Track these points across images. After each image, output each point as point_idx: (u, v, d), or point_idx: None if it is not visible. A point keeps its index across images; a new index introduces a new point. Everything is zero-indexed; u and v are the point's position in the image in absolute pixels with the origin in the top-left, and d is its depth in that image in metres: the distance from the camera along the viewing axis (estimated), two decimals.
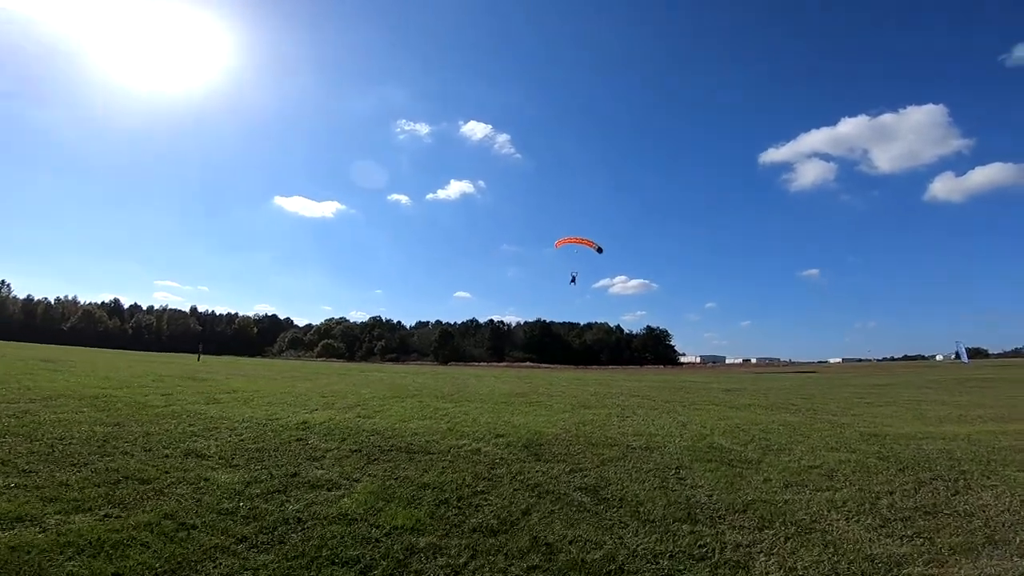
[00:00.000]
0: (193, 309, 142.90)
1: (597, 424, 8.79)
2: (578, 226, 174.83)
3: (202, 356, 41.92)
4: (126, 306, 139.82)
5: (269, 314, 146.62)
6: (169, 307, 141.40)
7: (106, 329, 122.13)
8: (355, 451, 6.27)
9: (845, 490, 5.19)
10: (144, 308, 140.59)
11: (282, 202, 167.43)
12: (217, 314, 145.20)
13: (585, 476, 5.48)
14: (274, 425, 7.64)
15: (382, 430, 7.61)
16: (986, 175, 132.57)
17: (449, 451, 6.48)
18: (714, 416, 10.26)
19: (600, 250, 35.83)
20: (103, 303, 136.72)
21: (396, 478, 5.22)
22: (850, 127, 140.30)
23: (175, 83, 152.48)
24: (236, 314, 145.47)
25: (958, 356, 55.91)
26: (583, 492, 4.93)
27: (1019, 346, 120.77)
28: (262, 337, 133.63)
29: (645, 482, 5.30)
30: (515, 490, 4.94)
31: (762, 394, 16.35)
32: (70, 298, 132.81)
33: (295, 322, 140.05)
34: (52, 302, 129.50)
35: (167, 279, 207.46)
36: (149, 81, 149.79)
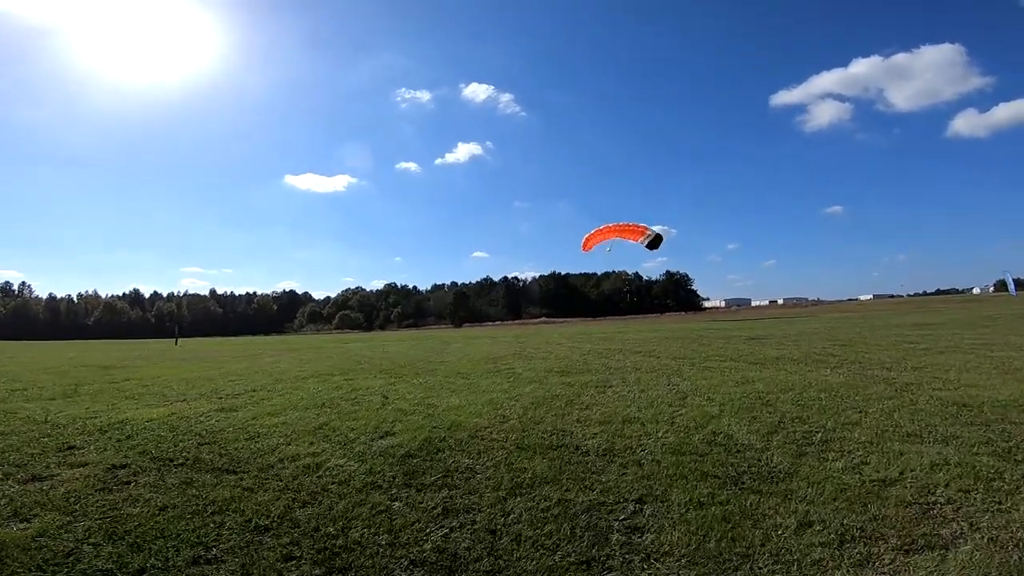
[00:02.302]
0: (212, 292, 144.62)
1: (559, 403, 6.36)
2: (589, 176, 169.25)
3: (179, 339, 40.70)
4: (147, 295, 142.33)
5: (288, 290, 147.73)
6: (189, 292, 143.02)
7: (129, 320, 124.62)
8: (119, 467, 4.17)
9: (970, 548, 2.68)
10: (164, 296, 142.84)
11: (293, 180, 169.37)
12: (236, 295, 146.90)
13: (445, 533, 3.07)
14: (79, 425, 5.79)
15: (217, 430, 5.53)
16: (1011, 111, 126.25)
17: (271, 467, 4.23)
18: (729, 379, 7.72)
19: (654, 244, 29.96)
20: (124, 295, 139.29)
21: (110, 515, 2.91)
22: (863, 67, 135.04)
23: (174, 72, 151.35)
24: (255, 293, 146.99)
25: (1005, 288, 51.53)
26: None
27: None
28: (282, 313, 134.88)
29: (550, 550, 2.86)
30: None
31: (792, 342, 13.67)
32: (91, 293, 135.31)
33: (314, 296, 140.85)
34: (75, 298, 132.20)
35: (191, 266, 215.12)
36: (149, 72, 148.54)
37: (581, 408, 6.11)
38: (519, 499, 3.52)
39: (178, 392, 8.54)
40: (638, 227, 30.97)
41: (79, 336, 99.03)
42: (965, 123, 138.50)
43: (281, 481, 3.98)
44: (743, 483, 3.64)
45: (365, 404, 6.82)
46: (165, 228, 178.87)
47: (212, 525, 3.25)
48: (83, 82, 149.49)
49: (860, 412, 5.48)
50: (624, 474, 3.87)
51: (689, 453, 4.27)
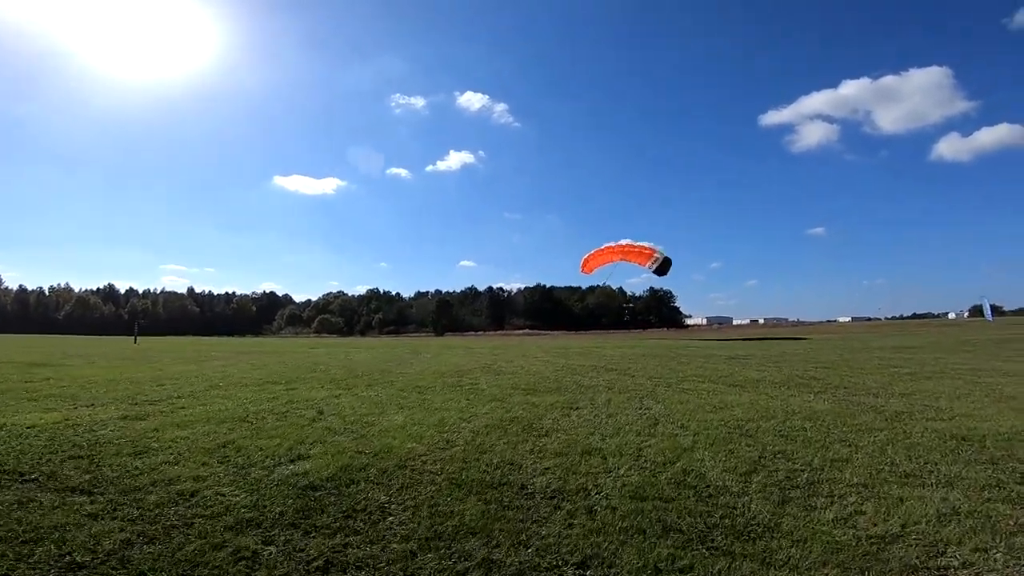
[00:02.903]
0: (191, 290, 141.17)
1: (515, 428, 5.61)
2: (580, 189, 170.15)
3: (140, 337, 38.93)
4: (122, 291, 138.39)
5: (268, 292, 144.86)
6: (166, 290, 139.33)
7: (102, 316, 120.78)
8: None
9: None
10: (140, 293, 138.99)
11: (282, 181, 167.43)
12: (215, 295, 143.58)
13: None
14: None
15: (102, 442, 4.72)
16: (993, 135, 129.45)
17: (136, 491, 3.46)
18: (706, 404, 7.06)
19: (662, 269, 27.60)
20: (98, 289, 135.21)
21: None
22: (852, 89, 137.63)
23: (167, 70, 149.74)
24: (234, 293, 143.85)
25: (980, 313, 52.44)
26: None
27: None
28: (262, 315, 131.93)
29: None
30: None
31: (773, 363, 13.13)
32: (62, 286, 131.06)
33: (296, 299, 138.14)
34: (46, 291, 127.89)
35: (173, 263, 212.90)
36: (141, 69, 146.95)
37: (539, 435, 5.36)
38: (431, 555, 2.76)
39: (92, 396, 7.62)
40: (645, 249, 29.05)
41: (47, 330, 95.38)
42: (948, 147, 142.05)
43: (138, 509, 3.19)
44: (713, 541, 2.93)
45: (293, 419, 6.00)
46: (147, 224, 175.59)
47: (11, 557, 2.45)
48: (73, 78, 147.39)
49: (850, 446, 4.83)
50: (571, 525, 3.13)
51: (652, 498, 3.55)
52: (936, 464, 4.30)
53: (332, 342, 38.24)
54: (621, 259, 29.77)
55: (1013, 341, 21.65)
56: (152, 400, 7.26)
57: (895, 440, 5.03)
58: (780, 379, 9.63)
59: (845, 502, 3.56)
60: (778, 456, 4.50)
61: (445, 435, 5.29)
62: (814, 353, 16.96)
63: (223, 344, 34.72)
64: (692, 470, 4.09)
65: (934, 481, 3.93)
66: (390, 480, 3.91)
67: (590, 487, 3.77)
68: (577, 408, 6.79)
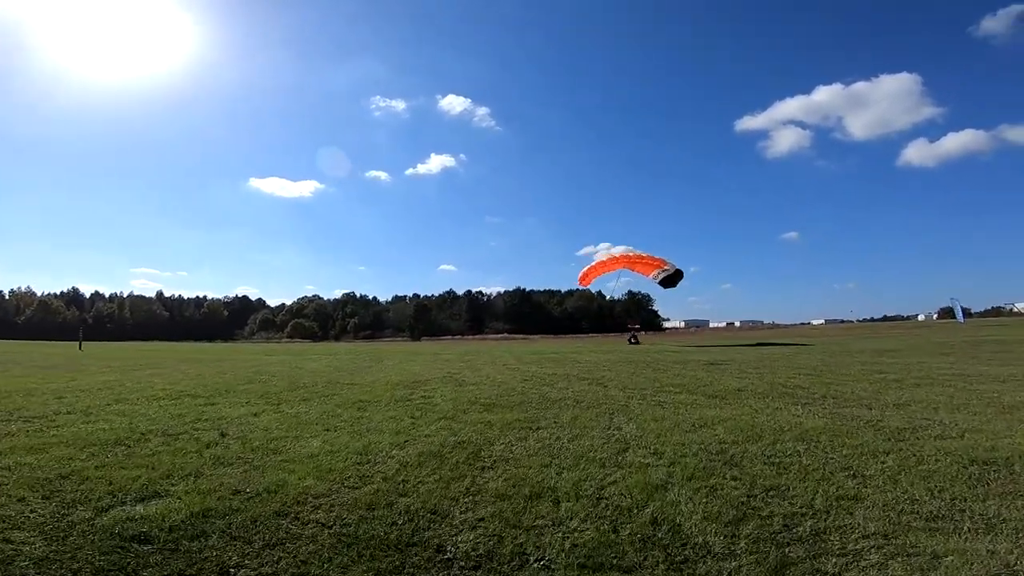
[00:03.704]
0: (159, 294, 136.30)
1: (457, 457, 4.59)
2: (560, 194, 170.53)
3: (90, 343, 36.37)
4: (87, 295, 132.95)
5: (241, 295, 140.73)
6: (134, 293, 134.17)
7: (64, 320, 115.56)
8: None
9: None
10: (107, 296, 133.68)
11: (258, 184, 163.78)
12: (185, 298, 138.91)
13: None
14: None
15: None
16: (959, 141, 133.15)
17: None
18: (684, 420, 6.16)
19: (670, 281, 26.30)
20: (61, 293, 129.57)
21: None
22: (825, 95, 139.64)
23: (141, 68, 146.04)
24: (205, 297, 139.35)
25: (950, 315, 53.51)
26: None
27: (996, 304, 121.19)
28: (234, 319, 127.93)
29: None
30: None
31: (753, 369, 12.40)
32: (23, 289, 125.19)
33: (270, 303, 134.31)
34: (6, 294, 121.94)
35: (144, 266, 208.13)
36: (115, 67, 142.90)
37: (483, 467, 4.37)
38: None
39: None
40: (654, 259, 27.69)
41: (4, 335, 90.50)
42: (916, 152, 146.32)
43: None
44: None
45: (183, 443, 4.89)
46: (117, 226, 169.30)
47: None
48: (45, 73, 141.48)
49: (856, 477, 3.97)
50: None
51: (610, 567, 2.59)
52: (965, 500, 3.46)
53: (297, 348, 36.59)
54: (625, 266, 28.42)
55: (986, 343, 21.53)
56: (29, 416, 6.06)
57: (907, 467, 4.19)
58: (763, 388, 8.83)
59: (864, 562, 2.68)
60: (771, 494, 3.60)
61: (363, 468, 4.25)
62: (794, 358, 16.37)
63: (176, 350, 32.79)
64: (664, 519, 3.15)
65: (969, 526, 3.08)
66: (255, 533, 2.88)
67: (530, 549, 2.80)
68: (537, 428, 5.81)
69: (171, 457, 4.38)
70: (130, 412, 6.61)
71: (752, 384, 9.39)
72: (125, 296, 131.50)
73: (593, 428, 5.76)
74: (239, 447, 4.81)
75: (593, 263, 30.18)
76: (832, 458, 4.49)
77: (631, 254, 29.06)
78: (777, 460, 4.44)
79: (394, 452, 4.79)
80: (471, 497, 3.60)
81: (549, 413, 6.70)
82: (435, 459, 4.56)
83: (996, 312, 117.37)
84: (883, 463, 4.31)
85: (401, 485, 3.83)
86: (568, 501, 3.47)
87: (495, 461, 4.50)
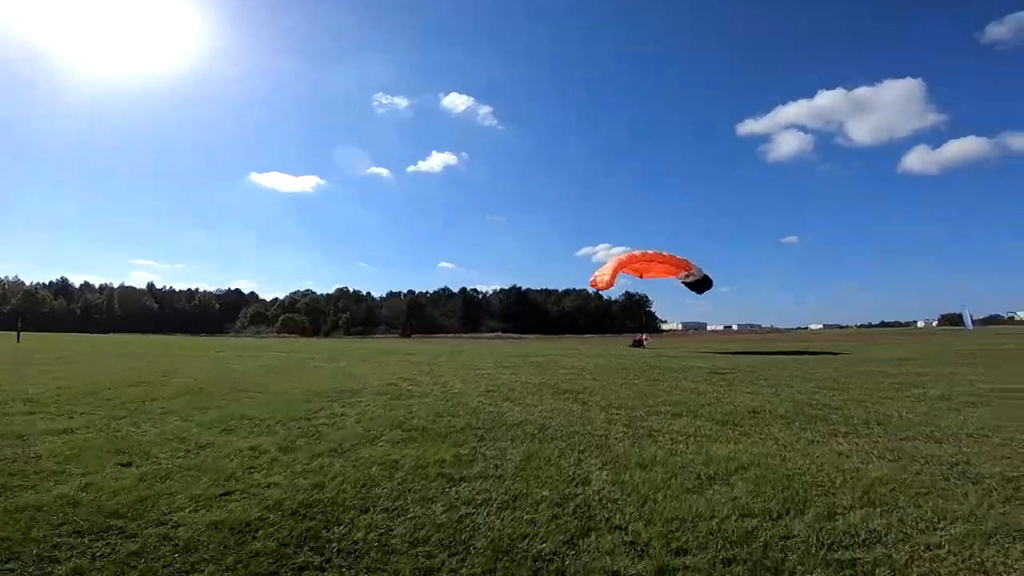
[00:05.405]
0: (151, 286, 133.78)
1: (279, 535, 2.68)
2: (563, 193, 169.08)
3: (21, 334, 33.91)
4: (77, 285, 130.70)
5: (234, 289, 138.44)
6: (123, 284, 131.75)
7: (52, 310, 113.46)
8: None
9: None
10: (97, 287, 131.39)
11: (258, 178, 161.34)
12: (177, 290, 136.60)
13: None
14: None
15: None
16: (960, 148, 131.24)
17: None
18: (684, 466, 4.24)
19: (700, 286, 24.40)
20: (50, 283, 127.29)
21: None
22: (827, 100, 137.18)
23: (146, 63, 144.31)
24: (197, 290, 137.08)
25: (958, 321, 51.78)
26: None
27: (994, 313, 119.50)
28: (225, 313, 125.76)
29: None
30: None
31: (765, 381, 10.48)
32: (11, 278, 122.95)
33: (264, 297, 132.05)
34: None
35: (142, 258, 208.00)
36: (120, 61, 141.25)
37: (302, 567, 2.44)
38: None
39: None
40: (682, 261, 25.57)
41: None
42: (917, 158, 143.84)
43: None
44: None
45: None
46: (117, 218, 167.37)
47: None
48: (51, 69, 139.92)
49: None
50: None
51: None
52: None
53: (273, 344, 34.57)
54: (654, 264, 25.88)
55: (1007, 351, 19.75)
56: None
57: None
58: (785, 409, 6.90)
59: None
60: None
61: (96, 545, 2.32)
62: (805, 366, 14.45)
63: (125, 343, 30.69)
64: None
65: None
66: None
67: None
68: (460, 480, 3.88)
69: None
70: None
71: (770, 403, 7.46)
72: (115, 287, 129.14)
73: (546, 481, 3.83)
74: None
75: (611, 263, 27.13)
76: (943, 551, 2.57)
77: (654, 254, 26.51)
78: (847, 558, 2.52)
79: (177, 517, 2.86)
80: None
81: (493, 448, 4.77)
82: (235, 536, 2.63)
83: (994, 320, 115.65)
84: None
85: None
86: None
87: (337, 552, 2.57)
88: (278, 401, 7.25)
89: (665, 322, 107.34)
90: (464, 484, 3.75)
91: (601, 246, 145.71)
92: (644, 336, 32.12)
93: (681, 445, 4.93)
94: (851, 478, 3.97)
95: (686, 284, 25.13)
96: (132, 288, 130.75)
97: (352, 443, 4.86)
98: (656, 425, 5.84)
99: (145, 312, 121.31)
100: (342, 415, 6.25)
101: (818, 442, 5.16)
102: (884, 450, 4.85)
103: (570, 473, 4.04)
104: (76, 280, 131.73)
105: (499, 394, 8.31)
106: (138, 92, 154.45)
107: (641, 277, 27.66)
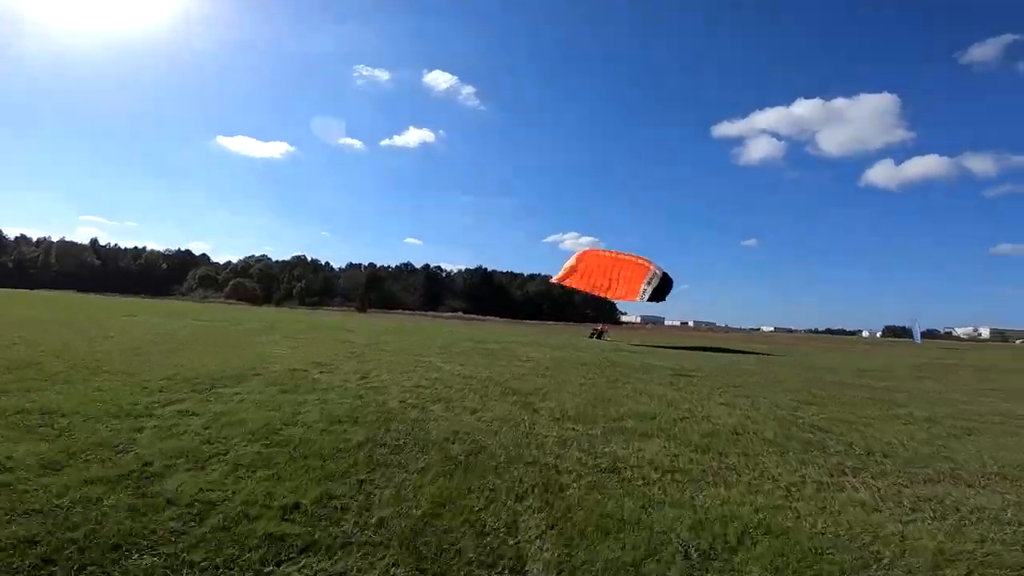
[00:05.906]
0: (94, 242, 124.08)
1: None
2: (535, 178, 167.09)
3: None
4: (11, 238, 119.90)
5: (184, 249, 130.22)
6: (64, 239, 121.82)
7: None
8: None
9: None
10: (34, 241, 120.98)
11: (225, 141, 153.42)
12: (122, 248, 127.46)
13: None
14: None
15: None
16: (922, 165, 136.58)
17: None
18: (675, 525, 2.91)
19: (658, 293, 22.72)
20: None
21: None
22: (804, 108, 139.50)
23: (111, 20, 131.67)
24: (143, 248, 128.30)
25: (905, 334, 53.78)
26: None
27: (932, 328, 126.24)
28: (172, 274, 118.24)
29: None
30: None
31: (735, 388, 9.41)
32: None
33: (215, 260, 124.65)
34: None
35: (93, 215, 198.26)
36: (85, 17, 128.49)
37: None
38: None
39: None
40: (640, 268, 23.74)
41: None
42: (880, 173, 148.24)
43: None
44: None
45: None
46: (67, 171, 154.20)
47: None
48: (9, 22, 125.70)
49: None
50: None
51: None
52: None
53: (199, 309, 31.72)
54: (603, 282, 24.54)
55: (962, 368, 19.87)
56: None
57: None
58: (772, 432, 5.70)
59: None
60: None
61: None
62: (770, 371, 13.65)
63: (36, 301, 27.59)
64: None
65: None
66: None
67: None
68: (299, 550, 2.40)
69: None
70: None
71: (751, 419, 6.28)
72: (50, 241, 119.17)
73: (450, 564, 2.39)
74: None
75: (575, 272, 26.01)
76: None
77: (613, 254, 25.36)
78: None
79: None
80: None
81: (388, 486, 3.27)
82: None
83: (932, 335, 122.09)
84: None
85: None
86: None
87: None
88: (122, 388, 5.48)
89: (625, 314, 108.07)
90: (303, 559, 2.26)
91: (570, 234, 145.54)
92: (604, 327, 31.43)
93: (656, 489, 3.59)
94: (898, 551, 2.76)
95: (650, 295, 23.97)
96: (72, 243, 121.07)
97: (165, 463, 3.27)
98: (621, 452, 4.50)
99: (84, 268, 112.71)
100: (193, 413, 4.61)
101: (827, 484, 3.96)
102: (915, 500, 3.69)
103: (494, 545, 2.61)
104: (12, 233, 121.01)
105: (431, 392, 6.80)
106: (101, 49, 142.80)
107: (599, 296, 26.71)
